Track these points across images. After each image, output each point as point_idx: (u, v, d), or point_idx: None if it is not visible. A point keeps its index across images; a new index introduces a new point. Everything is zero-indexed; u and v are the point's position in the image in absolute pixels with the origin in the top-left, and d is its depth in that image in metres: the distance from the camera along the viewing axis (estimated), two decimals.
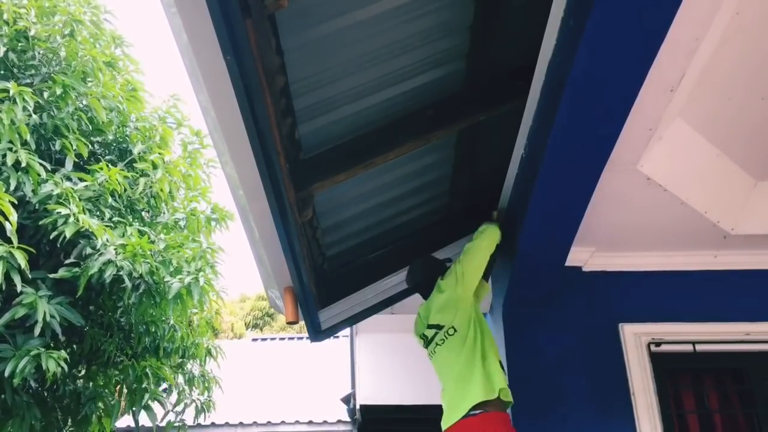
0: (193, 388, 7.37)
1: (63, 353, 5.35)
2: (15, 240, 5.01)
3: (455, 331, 3.18)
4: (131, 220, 6.36)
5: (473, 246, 3.33)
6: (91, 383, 6.77)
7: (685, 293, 3.65)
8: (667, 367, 3.55)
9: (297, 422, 10.82)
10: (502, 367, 3.13)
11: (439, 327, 3.26)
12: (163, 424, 7.05)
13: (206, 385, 7.49)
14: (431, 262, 3.62)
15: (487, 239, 3.34)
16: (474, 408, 2.95)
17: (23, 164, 5.34)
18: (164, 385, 7.02)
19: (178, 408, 7.20)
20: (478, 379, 3.01)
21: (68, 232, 5.25)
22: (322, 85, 2.89)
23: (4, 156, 5.30)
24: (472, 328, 3.16)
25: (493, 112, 3.32)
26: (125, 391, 6.68)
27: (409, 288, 3.69)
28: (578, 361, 3.51)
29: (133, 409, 6.51)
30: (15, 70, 6.15)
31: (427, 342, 3.35)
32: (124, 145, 6.81)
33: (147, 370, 6.50)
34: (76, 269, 5.54)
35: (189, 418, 7.37)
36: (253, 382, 12.20)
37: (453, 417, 3.02)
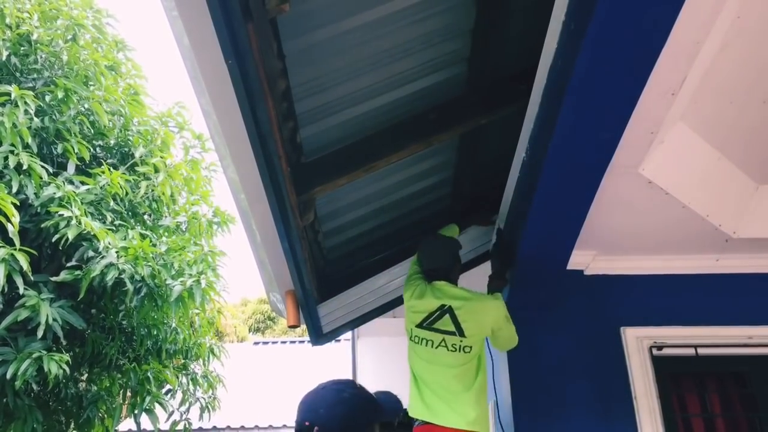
0: (197, 387, 7.39)
1: (65, 356, 5.36)
2: (17, 242, 5.02)
3: (470, 350, 3.22)
4: (133, 223, 6.37)
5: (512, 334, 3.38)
6: (93, 386, 6.79)
7: (687, 297, 3.64)
8: (669, 370, 3.54)
9: None
10: None
11: (460, 332, 3.22)
12: (167, 426, 7.05)
13: (210, 384, 7.51)
14: (457, 252, 3.60)
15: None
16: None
17: (25, 167, 5.35)
18: (167, 387, 7.03)
19: (183, 408, 7.21)
20: (476, 412, 3.14)
21: (71, 235, 5.26)
22: (324, 89, 2.90)
23: (6, 159, 5.31)
24: (477, 359, 3.26)
25: (495, 115, 3.32)
26: (128, 393, 6.70)
27: (426, 266, 3.54)
28: (580, 365, 3.50)
29: (135, 412, 6.51)
30: (17, 74, 6.17)
31: (430, 323, 3.29)
32: (126, 149, 6.83)
33: (149, 374, 6.50)
34: (78, 272, 5.55)
35: (194, 417, 7.38)
36: (255, 386, 12.20)
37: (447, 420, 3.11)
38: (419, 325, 3.32)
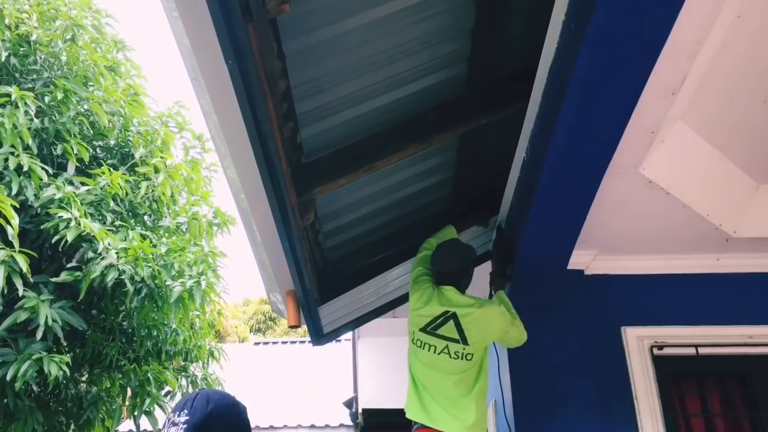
0: (196, 390, 7.38)
1: (65, 357, 5.37)
2: (16, 244, 5.02)
3: (471, 358, 3.21)
4: (133, 224, 6.37)
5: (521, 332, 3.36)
6: (93, 387, 6.78)
7: (687, 296, 3.64)
8: (670, 370, 3.54)
9: (299, 426, 10.82)
10: None
11: (464, 340, 3.20)
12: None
13: (209, 387, 7.49)
14: (473, 259, 3.61)
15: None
16: None
17: (25, 168, 5.35)
18: (167, 389, 7.03)
19: None
20: (475, 419, 3.16)
21: (70, 237, 5.26)
22: (324, 89, 2.90)
23: (6, 160, 5.31)
24: (479, 366, 3.27)
25: (495, 115, 3.31)
26: (128, 394, 6.70)
27: (438, 269, 3.50)
28: (581, 365, 3.50)
29: (135, 414, 6.51)
30: (17, 75, 6.17)
31: (434, 328, 3.27)
32: (126, 149, 6.83)
33: (149, 374, 6.50)
34: (78, 273, 5.55)
35: None
36: (255, 386, 12.19)
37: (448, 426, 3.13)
38: (423, 329, 3.30)
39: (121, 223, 6.12)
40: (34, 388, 6.00)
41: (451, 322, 3.25)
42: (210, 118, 2.55)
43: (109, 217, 5.99)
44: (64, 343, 5.62)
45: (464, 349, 3.19)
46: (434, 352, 3.23)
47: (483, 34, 2.96)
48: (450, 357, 3.20)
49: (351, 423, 9.97)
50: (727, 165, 3.29)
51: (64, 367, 5.25)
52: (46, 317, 5.14)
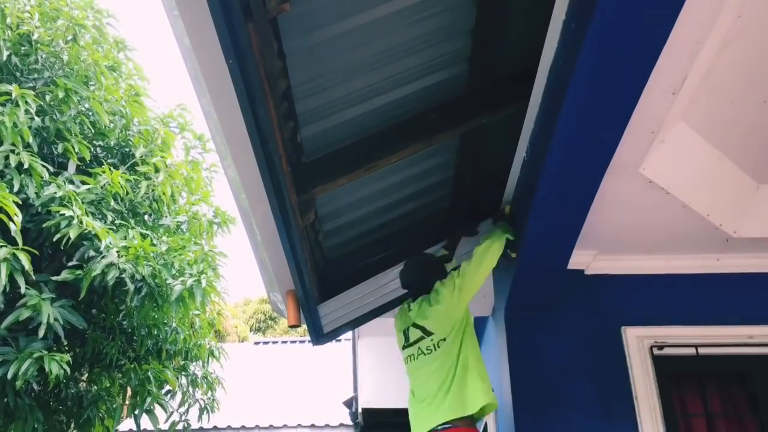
0: (197, 389, 7.39)
1: (65, 356, 5.37)
2: (20, 240, 5.02)
3: (444, 341, 3.23)
4: (133, 223, 6.37)
5: (478, 259, 3.28)
6: (93, 386, 6.79)
7: (687, 296, 3.64)
8: (670, 370, 3.54)
9: (299, 426, 10.82)
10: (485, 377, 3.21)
11: (427, 333, 3.27)
12: (167, 426, 7.06)
13: (209, 385, 7.51)
14: (430, 264, 3.63)
15: (492, 251, 3.28)
16: (443, 423, 3.07)
17: (26, 166, 5.36)
18: (167, 388, 7.03)
19: (182, 409, 7.22)
20: (454, 395, 3.11)
21: (72, 234, 5.27)
22: (324, 89, 2.90)
23: (7, 158, 5.31)
24: (458, 339, 3.25)
25: (495, 115, 3.32)
26: (129, 393, 6.71)
27: (402, 286, 3.67)
28: (581, 365, 3.50)
29: (135, 413, 6.52)
30: (18, 74, 6.17)
31: (407, 342, 3.38)
32: (127, 149, 6.83)
33: (149, 373, 6.51)
34: (79, 272, 5.56)
35: (193, 418, 7.39)
36: (255, 386, 12.19)
37: (422, 428, 3.14)
38: (402, 347, 3.44)
39: (122, 221, 6.12)
40: (34, 386, 6.00)
41: (413, 328, 3.36)
42: (210, 118, 2.56)
43: (110, 216, 6.00)
44: (65, 342, 5.62)
45: (432, 339, 3.25)
46: (414, 359, 3.32)
47: (483, 33, 2.96)
48: (425, 354, 3.25)
49: (351, 423, 9.96)
50: (728, 165, 3.29)
51: (65, 366, 5.25)
52: (48, 315, 5.14)
